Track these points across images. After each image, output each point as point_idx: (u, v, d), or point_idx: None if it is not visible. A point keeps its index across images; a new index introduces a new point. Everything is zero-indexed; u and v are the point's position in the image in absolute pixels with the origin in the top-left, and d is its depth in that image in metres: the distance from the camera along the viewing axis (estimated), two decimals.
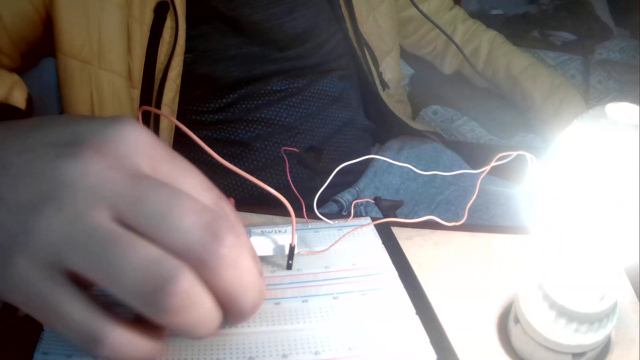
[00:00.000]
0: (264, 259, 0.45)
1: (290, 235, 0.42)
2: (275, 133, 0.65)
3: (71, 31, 0.53)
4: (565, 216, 0.36)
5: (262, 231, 0.43)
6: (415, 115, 1.01)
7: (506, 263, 0.47)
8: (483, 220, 0.77)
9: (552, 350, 0.37)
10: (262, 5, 0.61)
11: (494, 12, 2.17)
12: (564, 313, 0.36)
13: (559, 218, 0.37)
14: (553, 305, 0.36)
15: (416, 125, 0.82)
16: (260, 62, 0.63)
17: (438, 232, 0.51)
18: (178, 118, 0.62)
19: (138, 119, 0.57)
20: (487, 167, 0.46)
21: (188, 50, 0.58)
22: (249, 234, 0.43)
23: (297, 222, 0.42)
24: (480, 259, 0.48)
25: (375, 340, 0.38)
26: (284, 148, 0.67)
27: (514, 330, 0.39)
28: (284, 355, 0.36)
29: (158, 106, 0.57)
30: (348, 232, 0.47)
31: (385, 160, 0.74)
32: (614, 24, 1.90)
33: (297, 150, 0.67)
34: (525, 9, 2.12)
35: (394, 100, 0.81)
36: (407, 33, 0.90)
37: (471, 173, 0.49)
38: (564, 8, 1.99)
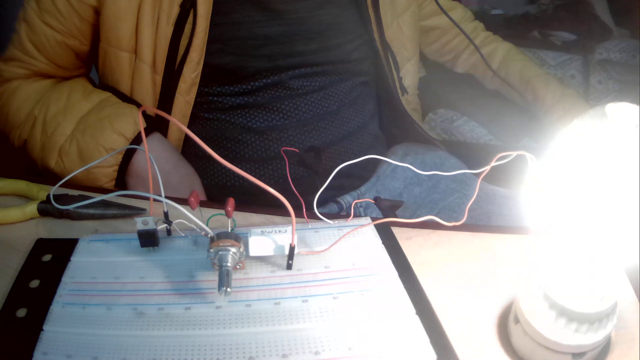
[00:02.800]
0: (264, 259, 0.45)
1: (290, 235, 0.42)
2: (291, 126, 0.67)
3: (119, 27, 0.61)
4: (566, 216, 0.36)
5: (262, 231, 0.43)
6: (422, 119, 1.01)
7: (506, 263, 0.47)
8: (483, 220, 0.77)
9: (552, 350, 0.37)
10: (290, 10, 0.65)
11: (494, 12, 2.16)
12: (564, 313, 0.36)
13: (559, 218, 0.37)
14: (553, 305, 0.36)
15: (431, 133, 0.83)
16: (285, 55, 0.66)
17: (438, 232, 0.51)
18: (198, 98, 0.65)
19: (155, 105, 0.63)
20: (487, 167, 0.46)
21: (214, 39, 0.62)
22: (249, 234, 0.43)
23: (297, 222, 0.42)
24: (480, 259, 0.48)
25: (375, 340, 0.38)
26: (284, 148, 0.67)
27: (514, 330, 0.39)
28: (284, 355, 0.36)
29: (175, 87, 0.62)
30: (348, 232, 0.47)
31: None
32: (614, 24, 1.90)
33: (297, 150, 0.67)
34: (525, 9, 2.11)
35: (411, 107, 0.81)
36: (430, 41, 0.92)
37: (472, 176, 0.49)
38: (564, 8, 1.99)
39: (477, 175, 0.47)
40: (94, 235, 0.47)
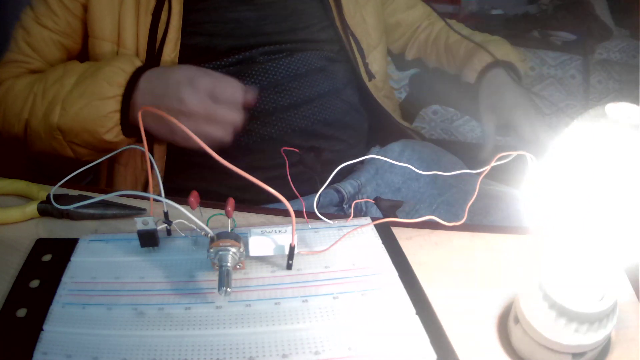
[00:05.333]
0: (264, 259, 0.45)
1: (290, 235, 0.42)
2: (263, 88, 0.70)
3: (103, 18, 0.67)
4: (566, 216, 0.36)
5: (262, 231, 0.43)
6: (415, 115, 1.01)
7: (506, 263, 0.47)
8: (483, 220, 0.77)
9: (552, 350, 0.37)
10: None
11: (494, 12, 2.17)
12: (564, 313, 0.36)
13: (559, 218, 0.37)
14: (553, 305, 0.36)
15: (403, 122, 0.85)
16: (254, 34, 0.71)
17: (438, 232, 0.51)
18: None
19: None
20: (487, 167, 0.46)
21: (188, 23, 0.68)
22: (249, 234, 0.43)
23: (297, 222, 0.42)
24: (480, 258, 0.48)
25: (375, 340, 0.38)
26: (283, 148, 0.67)
27: (514, 330, 0.39)
28: (284, 355, 0.36)
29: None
30: (348, 232, 0.47)
31: (387, 160, 0.74)
32: (614, 24, 1.90)
33: (297, 150, 0.67)
34: (525, 9, 2.12)
35: (382, 94, 0.83)
36: (395, 38, 0.94)
37: (471, 174, 0.49)
38: (564, 8, 1.99)
39: (477, 175, 0.47)
40: (94, 235, 0.47)
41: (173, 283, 0.42)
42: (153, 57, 0.67)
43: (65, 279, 0.42)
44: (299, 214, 0.47)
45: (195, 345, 0.37)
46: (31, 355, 0.36)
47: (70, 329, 0.38)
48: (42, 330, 0.38)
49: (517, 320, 0.39)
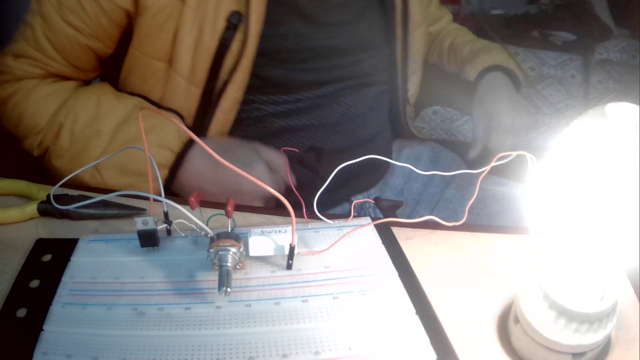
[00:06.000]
0: (264, 259, 0.45)
1: (290, 235, 0.42)
2: (322, 126, 0.68)
3: (156, 36, 0.58)
4: (566, 216, 0.36)
5: (262, 231, 0.43)
6: (415, 115, 1.01)
7: (506, 263, 0.47)
8: (483, 220, 0.77)
9: (552, 350, 0.37)
10: (334, 7, 0.65)
11: (494, 12, 2.17)
12: (564, 313, 0.36)
13: (559, 218, 0.37)
14: (553, 305, 0.36)
15: (421, 135, 0.85)
16: (327, 68, 0.66)
17: (438, 232, 0.51)
18: (245, 108, 0.63)
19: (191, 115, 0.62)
20: (487, 167, 0.46)
21: (262, 52, 0.60)
22: (249, 234, 0.43)
23: (297, 222, 0.42)
24: (480, 259, 0.48)
25: (375, 340, 0.38)
26: (283, 148, 0.67)
27: (514, 330, 0.39)
28: (284, 355, 0.36)
29: (216, 105, 0.60)
30: (348, 232, 0.47)
31: (386, 160, 0.75)
32: (614, 24, 1.90)
33: (297, 150, 0.67)
34: (525, 9, 2.12)
35: (408, 115, 0.83)
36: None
37: (471, 173, 0.50)
38: (564, 8, 1.99)
39: (477, 175, 0.47)
40: (94, 235, 0.47)
41: (173, 283, 0.42)
42: (212, 91, 0.60)
43: (65, 279, 0.42)
44: (299, 214, 0.47)
45: (195, 345, 0.37)
46: (31, 355, 0.36)
47: (70, 329, 0.38)
48: (42, 330, 0.38)
49: (517, 321, 0.39)
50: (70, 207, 0.48)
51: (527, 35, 1.97)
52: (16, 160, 0.71)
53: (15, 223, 0.49)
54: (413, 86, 0.81)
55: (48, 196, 0.49)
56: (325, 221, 0.49)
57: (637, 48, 1.74)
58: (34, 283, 0.42)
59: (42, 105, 0.60)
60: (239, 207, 0.52)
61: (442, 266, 0.47)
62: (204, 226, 0.41)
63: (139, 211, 0.51)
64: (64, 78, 0.64)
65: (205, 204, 0.53)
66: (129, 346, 0.37)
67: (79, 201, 0.47)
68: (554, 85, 1.85)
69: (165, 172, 0.57)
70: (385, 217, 0.51)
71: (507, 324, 0.41)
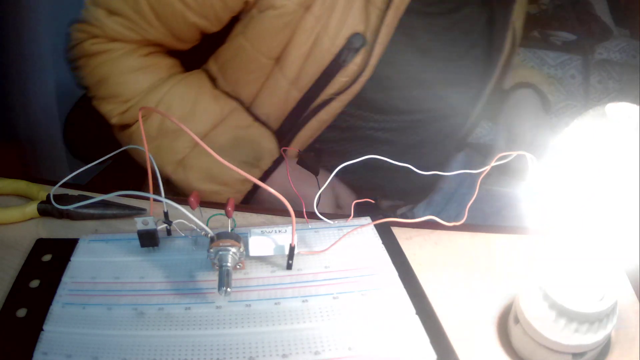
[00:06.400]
0: (264, 259, 0.45)
1: (290, 235, 0.42)
2: (408, 144, 0.69)
3: (274, 36, 0.57)
4: (566, 216, 0.36)
5: (262, 231, 0.43)
6: None
7: (506, 263, 0.47)
8: (483, 220, 0.77)
9: (552, 350, 0.37)
10: (447, 43, 0.65)
11: None
12: (564, 313, 0.36)
13: (559, 218, 0.37)
14: (553, 305, 0.36)
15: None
16: (426, 99, 0.65)
17: (438, 232, 0.51)
18: (340, 121, 0.62)
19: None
20: (487, 167, 0.46)
21: (373, 76, 0.60)
22: (249, 234, 0.43)
23: (297, 222, 0.42)
24: (480, 259, 0.48)
25: (375, 340, 0.38)
26: (283, 148, 0.68)
27: (514, 330, 0.39)
28: (284, 355, 0.36)
29: (314, 114, 0.60)
30: (348, 232, 0.47)
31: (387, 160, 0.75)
32: (614, 24, 1.90)
33: (297, 150, 0.67)
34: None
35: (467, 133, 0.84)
36: None
37: (471, 173, 0.49)
38: (563, 8, 1.99)
39: (477, 175, 0.47)
40: (94, 235, 0.47)
41: (173, 283, 0.42)
42: (312, 98, 0.59)
43: (65, 279, 0.42)
44: (299, 214, 0.47)
45: (195, 345, 0.37)
46: (31, 355, 0.36)
47: (70, 329, 0.38)
48: (42, 330, 0.38)
49: (517, 320, 0.39)
50: (70, 207, 0.48)
51: (527, 35, 1.96)
52: (16, 161, 0.71)
53: (15, 223, 0.49)
54: (477, 112, 0.81)
55: (48, 196, 0.49)
56: (325, 221, 0.49)
57: (637, 48, 1.73)
58: (34, 283, 0.42)
59: (131, 77, 0.59)
60: (239, 207, 0.52)
61: (442, 266, 0.47)
62: (204, 226, 0.41)
63: (139, 211, 0.51)
64: (159, 46, 0.62)
65: (205, 204, 0.53)
66: (129, 346, 0.37)
67: (79, 201, 0.47)
68: (553, 85, 1.85)
69: (249, 187, 0.58)
70: (385, 217, 0.51)
71: (507, 324, 0.41)
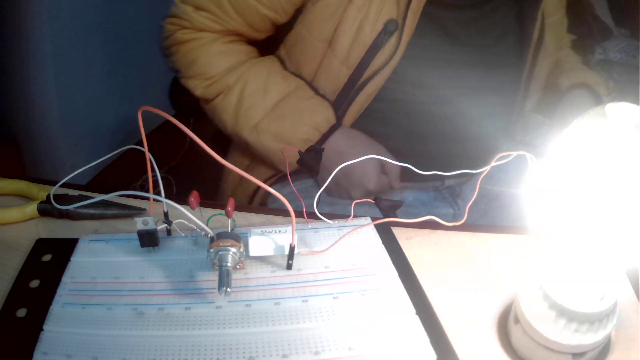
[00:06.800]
0: (264, 259, 0.45)
1: (290, 235, 0.42)
2: (439, 116, 0.76)
3: (325, 21, 0.69)
4: (566, 216, 0.36)
5: (262, 231, 0.43)
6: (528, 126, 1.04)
7: (506, 263, 0.47)
8: (483, 220, 0.77)
9: (552, 350, 0.37)
10: (473, 33, 0.73)
11: None
12: (564, 313, 0.36)
13: (559, 218, 0.37)
14: (553, 305, 0.36)
15: (524, 142, 0.89)
16: (457, 78, 0.74)
17: (438, 232, 0.51)
18: (383, 94, 0.72)
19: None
20: (487, 167, 0.46)
21: (405, 55, 0.70)
22: (249, 234, 0.43)
23: (297, 222, 0.42)
24: (480, 259, 0.48)
25: (375, 340, 0.38)
26: (283, 148, 0.69)
27: (514, 330, 0.39)
28: (284, 355, 0.36)
29: (361, 89, 0.71)
30: (348, 232, 0.47)
31: (387, 161, 0.76)
32: (614, 24, 1.90)
33: (297, 150, 0.68)
34: None
35: (519, 126, 0.86)
36: None
37: (471, 173, 0.49)
38: None
39: (478, 175, 0.47)
40: (94, 235, 0.47)
41: (173, 283, 0.42)
42: (360, 75, 0.69)
43: (65, 279, 0.42)
44: (299, 214, 0.47)
45: (195, 345, 0.37)
46: (31, 355, 0.36)
47: (70, 329, 0.38)
48: (42, 330, 0.38)
49: (517, 321, 0.39)
50: (70, 207, 0.48)
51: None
52: (16, 160, 0.71)
53: (15, 223, 0.49)
54: (531, 104, 0.85)
55: (48, 196, 0.49)
56: (325, 221, 0.49)
57: (637, 48, 1.73)
58: (34, 283, 0.42)
59: (215, 58, 0.72)
60: (239, 207, 0.52)
61: (442, 266, 0.47)
62: (204, 226, 0.41)
63: (139, 211, 0.51)
64: (239, 35, 0.74)
65: (205, 204, 0.53)
66: (129, 346, 0.37)
67: (79, 201, 0.47)
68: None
69: (310, 145, 0.69)
70: (385, 217, 0.51)
71: (507, 324, 0.41)
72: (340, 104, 0.73)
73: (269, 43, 0.78)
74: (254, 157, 0.77)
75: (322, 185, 0.49)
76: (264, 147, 0.71)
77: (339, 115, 0.73)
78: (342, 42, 0.69)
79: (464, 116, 0.76)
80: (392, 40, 0.68)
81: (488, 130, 0.80)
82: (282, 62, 0.76)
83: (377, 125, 0.74)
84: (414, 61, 0.71)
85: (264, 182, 0.61)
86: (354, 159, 0.64)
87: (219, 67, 0.72)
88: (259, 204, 0.78)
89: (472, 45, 0.74)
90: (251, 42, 0.77)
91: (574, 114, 0.80)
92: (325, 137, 0.70)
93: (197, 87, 0.73)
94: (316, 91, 0.73)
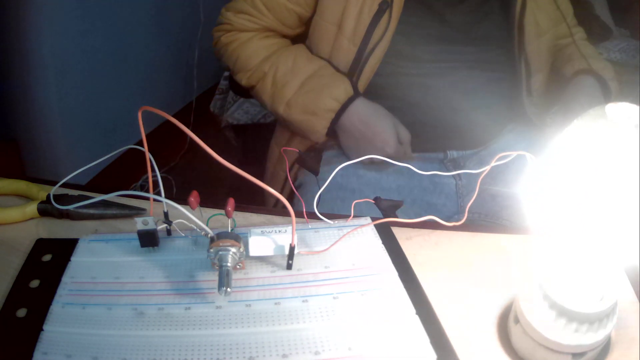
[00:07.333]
0: (264, 259, 0.45)
1: (290, 235, 0.42)
2: (444, 86, 0.84)
3: (334, 4, 0.81)
4: (566, 216, 0.36)
5: (262, 231, 0.43)
6: (546, 108, 1.04)
7: (506, 263, 0.47)
8: (483, 220, 0.77)
9: (552, 350, 0.37)
10: (457, 12, 0.83)
11: None
12: (564, 313, 0.36)
13: (559, 218, 0.37)
14: (553, 305, 0.36)
15: (539, 122, 0.92)
16: (448, 51, 0.83)
17: (438, 232, 0.51)
18: (383, 65, 0.82)
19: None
20: (487, 167, 0.46)
21: (399, 32, 0.80)
22: (249, 234, 0.43)
23: (297, 222, 0.42)
24: (480, 259, 0.48)
25: (375, 340, 0.38)
26: (283, 148, 0.70)
27: (514, 330, 0.39)
28: (284, 355, 0.36)
29: (366, 62, 0.81)
30: (348, 232, 0.47)
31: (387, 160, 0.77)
32: (614, 24, 1.90)
33: (297, 150, 0.69)
34: None
35: (530, 104, 0.90)
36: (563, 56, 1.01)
37: (471, 173, 0.50)
38: None
39: (477, 175, 0.47)
40: (94, 235, 0.47)
41: (173, 283, 0.42)
42: (364, 50, 0.80)
43: (65, 279, 0.42)
44: (299, 214, 0.47)
45: (195, 345, 0.37)
46: (31, 355, 0.36)
47: (70, 329, 0.38)
48: (42, 330, 0.38)
49: (517, 320, 0.39)
50: (70, 207, 0.48)
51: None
52: (16, 161, 0.71)
53: (15, 223, 0.49)
54: (537, 82, 0.90)
55: (48, 196, 0.49)
56: (325, 221, 0.49)
57: (637, 48, 1.73)
58: (34, 283, 0.42)
59: (254, 53, 0.84)
60: (239, 207, 0.52)
61: (442, 266, 0.47)
62: (204, 226, 0.41)
63: (139, 211, 0.51)
64: (273, 31, 0.86)
65: (205, 204, 0.53)
66: (129, 346, 0.37)
67: (79, 201, 0.47)
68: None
69: (332, 115, 0.79)
70: (385, 217, 0.51)
71: (507, 324, 0.41)
72: (351, 77, 0.82)
73: (303, 38, 0.91)
74: (292, 132, 0.87)
75: (321, 187, 0.49)
76: (295, 120, 0.82)
77: (354, 84, 0.82)
78: (348, 22, 0.80)
79: (462, 88, 0.84)
80: (385, 17, 0.79)
81: (489, 102, 0.86)
82: (310, 49, 0.87)
83: (382, 99, 0.82)
84: (407, 37, 0.81)
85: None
86: (375, 123, 0.79)
87: (256, 60, 0.84)
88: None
89: (457, 23, 0.83)
90: (286, 37, 0.89)
91: (576, 100, 0.83)
92: (345, 106, 0.79)
93: (242, 79, 0.86)
94: (336, 69, 0.83)
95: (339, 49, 0.83)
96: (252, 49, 0.85)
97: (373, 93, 0.83)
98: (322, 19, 0.83)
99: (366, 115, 0.80)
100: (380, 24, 0.79)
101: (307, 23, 0.87)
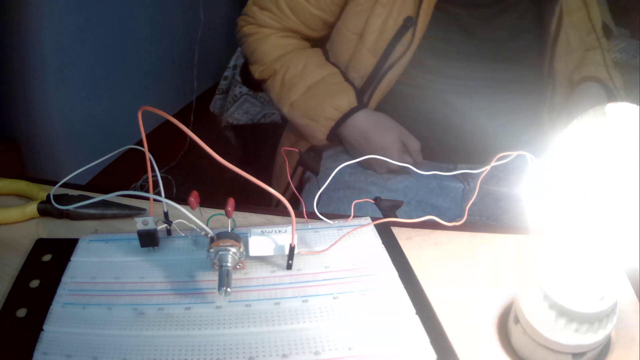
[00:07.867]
0: (264, 259, 0.45)
1: (290, 235, 0.42)
2: (455, 103, 0.82)
3: (359, 15, 0.80)
4: (566, 216, 0.36)
5: (262, 231, 0.43)
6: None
7: (506, 263, 0.47)
8: (483, 220, 0.77)
9: (552, 350, 0.37)
10: (489, 29, 0.80)
11: None
12: (564, 313, 0.36)
13: (559, 218, 0.37)
14: (553, 305, 0.36)
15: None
16: (473, 70, 0.80)
17: (438, 232, 0.51)
18: (408, 78, 0.81)
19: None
20: (487, 167, 0.46)
21: (422, 47, 0.79)
22: (249, 234, 0.43)
23: (297, 222, 0.42)
24: (480, 258, 0.48)
25: (375, 340, 0.38)
26: (283, 148, 0.70)
27: (514, 330, 0.39)
28: (284, 355, 0.36)
29: (384, 75, 0.80)
30: (348, 232, 0.47)
31: (387, 160, 0.77)
32: (614, 24, 1.90)
33: (297, 150, 0.69)
34: None
35: (553, 123, 0.87)
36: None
37: (471, 173, 0.50)
38: None
39: (477, 175, 0.47)
40: (94, 235, 0.47)
41: (173, 283, 0.42)
42: (384, 63, 0.79)
43: (65, 279, 0.42)
44: (299, 214, 0.47)
45: (195, 345, 0.37)
46: (31, 355, 0.36)
47: (70, 329, 0.38)
48: (42, 330, 0.38)
49: (517, 320, 0.39)
50: (70, 207, 0.48)
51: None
52: (16, 161, 0.71)
53: (15, 223, 0.49)
54: (560, 97, 0.87)
55: (48, 196, 0.49)
56: (325, 221, 0.49)
57: (637, 48, 1.73)
58: (34, 283, 0.42)
59: (270, 49, 0.86)
60: (239, 207, 0.52)
61: (442, 266, 0.47)
62: (204, 226, 0.41)
63: (139, 211, 0.51)
64: (296, 33, 0.87)
65: (205, 204, 0.53)
66: (129, 346, 0.37)
67: (79, 201, 0.47)
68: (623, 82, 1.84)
69: (332, 123, 0.80)
70: (385, 217, 0.51)
71: (507, 324, 0.41)
72: (367, 87, 0.83)
73: (325, 41, 0.92)
74: (298, 137, 0.89)
75: (321, 186, 0.49)
76: (296, 122, 0.84)
77: (367, 97, 0.83)
78: (370, 33, 0.80)
79: (487, 111, 0.82)
80: (409, 33, 0.78)
81: (511, 120, 0.84)
82: (325, 53, 0.88)
83: (401, 108, 0.82)
84: (433, 51, 0.80)
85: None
86: (376, 137, 0.79)
87: (270, 56, 0.85)
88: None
89: (487, 40, 0.81)
90: (309, 39, 0.90)
91: (581, 107, 0.82)
92: (346, 116, 0.80)
93: (256, 71, 0.88)
94: (346, 78, 0.83)
95: (358, 58, 0.82)
96: (269, 46, 0.86)
97: (391, 99, 0.82)
98: (344, 26, 0.83)
99: (367, 129, 0.79)
100: (402, 41, 0.78)
101: (332, 26, 0.87)
